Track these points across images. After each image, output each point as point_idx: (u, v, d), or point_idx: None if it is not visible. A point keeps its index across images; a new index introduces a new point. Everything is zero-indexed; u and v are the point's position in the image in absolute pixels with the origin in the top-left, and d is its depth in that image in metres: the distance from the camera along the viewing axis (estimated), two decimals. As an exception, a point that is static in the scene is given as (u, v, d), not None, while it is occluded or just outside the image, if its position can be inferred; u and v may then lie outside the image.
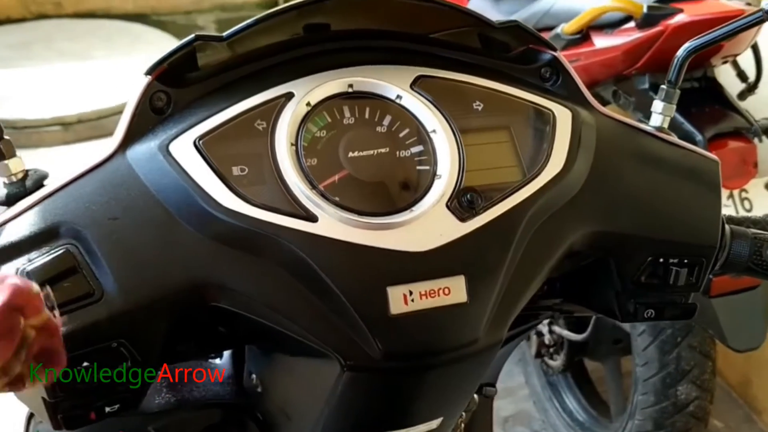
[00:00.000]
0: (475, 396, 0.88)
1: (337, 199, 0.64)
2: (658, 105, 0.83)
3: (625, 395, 2.16)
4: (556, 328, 2.23)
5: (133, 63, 4.69)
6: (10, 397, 0.68)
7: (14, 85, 4.42)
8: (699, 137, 1.70)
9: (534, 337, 2.31)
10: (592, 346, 2.21)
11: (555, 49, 0.77)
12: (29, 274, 0.59)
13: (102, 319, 0.60)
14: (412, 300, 0.62)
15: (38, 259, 0.60)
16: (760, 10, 0.81)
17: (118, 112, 4.12)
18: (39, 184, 0.65)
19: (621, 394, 2.22)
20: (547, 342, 2.28)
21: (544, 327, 2.25)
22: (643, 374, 1.94)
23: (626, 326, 2.01)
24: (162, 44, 5.07)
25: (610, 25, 1.85)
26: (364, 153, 0.67)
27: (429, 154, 0.68)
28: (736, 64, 1.92)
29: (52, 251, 0.60)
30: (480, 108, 0.71)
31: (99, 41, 5.15)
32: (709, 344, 1.92)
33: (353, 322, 0.61)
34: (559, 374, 2.37)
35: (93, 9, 5.63)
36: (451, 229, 0.65)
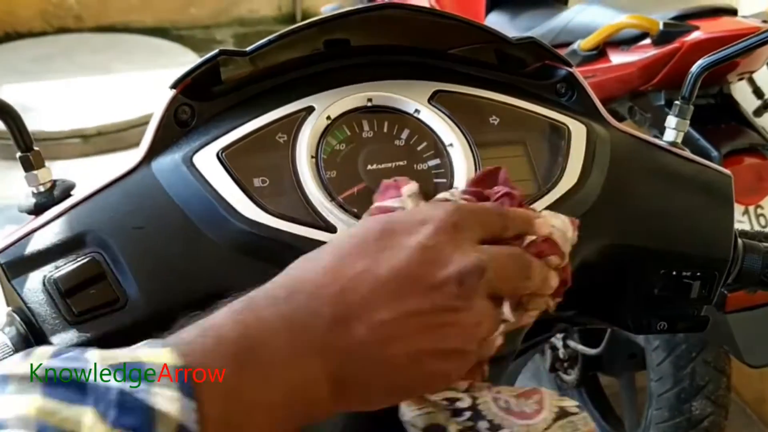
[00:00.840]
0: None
1: (355, 210, 0.65)
2: (671, 120, 0.84)
3: (640, 410, 2.16)
4: (571, 343, 2.23)
5: (152, 76, 4.74)
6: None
7: (35, 98, 4.46)
8: (714, 153, 1.70)
9: (548, 352, 2.31)
10: (606, 360, 2.20)
11: (570, 65, 0.79)
12: (56, 281, 0.61)
13: (126, 325, 0.61)
14: None
15: (65, 266, 0.62)
16: (773, 28, 0.82)
17: (137, 125, 4.19)
18: (66, 194, 0.67)
19: (635, 409, 2.22)
20: (561, 356, 2.28)
21: (558, 341, 2.25)
22: (658, 389, 1.94)
23: (641, 341, 2.01)
24: (181, 58, 5.11)
25: (627, 42, 1.86)
26: (383, 166, 0.68)
27: (446, 168, 0.69)
28: (752, 81, 1.93)
29: (79, 259, 0.62)
30: (496, 123, 0.73)
31: (119, 55, 5.19)
32: (724, 360, 1.92)
33: None
34: (573, 389, 2.36)
35: (113, 23, 5.69)
36: None
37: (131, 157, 0.68)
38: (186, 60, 5.03)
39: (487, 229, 0.55)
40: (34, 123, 4.16)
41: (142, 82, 4.68)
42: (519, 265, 0.55)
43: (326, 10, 2.93)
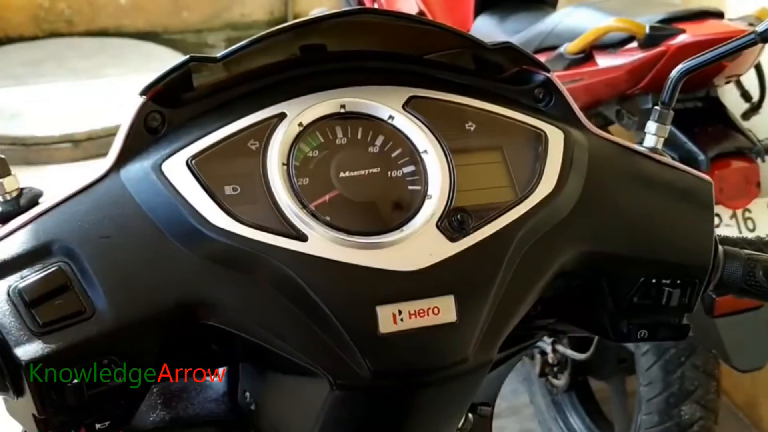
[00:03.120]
0: (470, 415, 0.88)
1: (327, 218, 0.64)
2: (651, 126, 0.83)
3: (630, 415, 2.15)
4: (560, 348, 2.22)
5: (143, 81, 4.71)
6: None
7: (25, 102, 4.45)
8: (702, 157, 1.70)
9: (538, 357, 2.30)
10: (596, 365, 2.20)
11: (548, 70, 0.78)
12: (21, 292, 0.60)
13: (93, 336, 0.60)
14: (402, 319, 0.63)
15: (30, 276, 0.61)
16: (753, 32, 0.81)
17: (126, 129, 4.17)
18: (33, 203, 0.66)
19: (625, 414, 2.22)
20: (551, 361, 2.28)
21: (547, 346, 2.25)
22: (647, 394, 1.94)
23: (630, 346, 2.00)
24: (172, 62, 5.09)
25: (613, 45, 1.85)
26: (356, 173, 0.67)
27: (420, 174, 0.68)
28: (739, 84, 1.93)
29: (45, 269, 0.61)
30: (472, 128, 0.72)
31: (110, 59, 5.18)
32: (713, 364, 1.92)
33: (342, 341, 0.62)
34: (563, 393, 2.36)
35: (104, 27, 5.67)
36: (440, 248, 0.65)
37: (100, 165, 0.67)
38: (177, 64, 5.02)
39: None
40: (24, 128, 4.15)
41: (133, 87, 4.64)
42: None
43: (315, 14, 2.93)
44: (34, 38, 5.54)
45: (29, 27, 5.58)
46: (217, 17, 5.91)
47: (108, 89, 4.70)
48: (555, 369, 2.29)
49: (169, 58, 5.22)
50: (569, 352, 2.20)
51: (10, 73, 4.88)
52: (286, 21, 5.85)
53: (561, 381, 2.29)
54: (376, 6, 2.88)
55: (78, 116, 4.32)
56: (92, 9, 5.68)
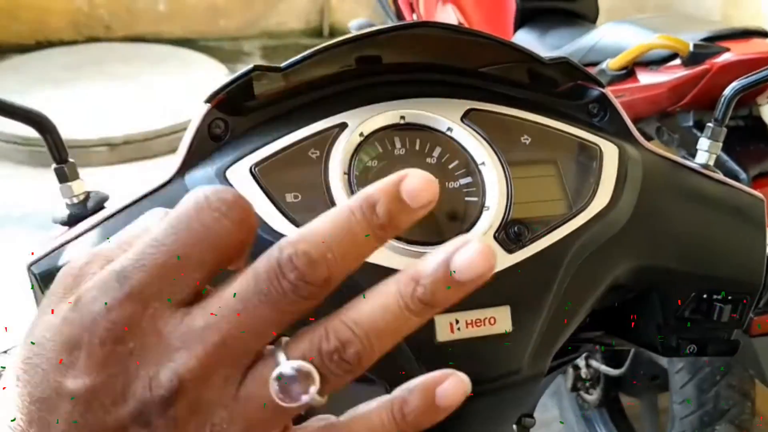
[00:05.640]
0: (514, 426, 0.88)
1: None
2: (704, 143, 0.84)
3: (662, 432, 2.14)
4: (593, 363, 2.21)
5: (180, 87, 4.78)
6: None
7: (64, 106, 4.50)
8: (743, 175, 1.69)
9: (570, 371, 2.29)
10: (629, 381, 2.19)
11: (603, 86, 0.78)
12: None
13: None
14: (458, 329, 0.63)
15: None
16: (809, 52, 0.82)
17: (163, 134, 4.23)
18: (100, 206, 0.68)
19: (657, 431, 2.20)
20: (583, 376, 2.27)
21: (581, 361, 2.24)
22: (680, 412, 1.92)
23: (664, 362, 1.99)
24: (208, 69, 5.15)
25: (656, 62, 1.85)
26: None
27: (478, 186, 0.69)
28: (782, 103, 1.92)
29: None
30: (528, 142, 0.73)
31: (147, 64, 5.24)
32: (749, 384, 1.90)
33: (400, 349, 0.62)
34: (594, 409, 2.35)
35: (143, 33, 5.74)
36: (498, 260, 0.66)
37: (160, 168, 0.68)
38: (213, 71, 5.07)
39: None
40: (62, 130, 4.19)
41: (169, 92, 4.71)
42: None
43: (354, 25, 2.95)
44: (73, 43, 5.62)
45: (69, 32, 5.65)
46: (254, 25, 5.96)
47: (144, 94, 4.75)
48: (587, 384, 2.28)
49: (205, 65, 5.28)
50: (603, 367, 2.19)
51: (49, 77, 4.95)
52: (321, 30, 5.91)
53: (593, 396, 2.28)
54: (415, 17, 2.89)
55: (115, 120, 4.37)
56: (131, 15, 5.75)
